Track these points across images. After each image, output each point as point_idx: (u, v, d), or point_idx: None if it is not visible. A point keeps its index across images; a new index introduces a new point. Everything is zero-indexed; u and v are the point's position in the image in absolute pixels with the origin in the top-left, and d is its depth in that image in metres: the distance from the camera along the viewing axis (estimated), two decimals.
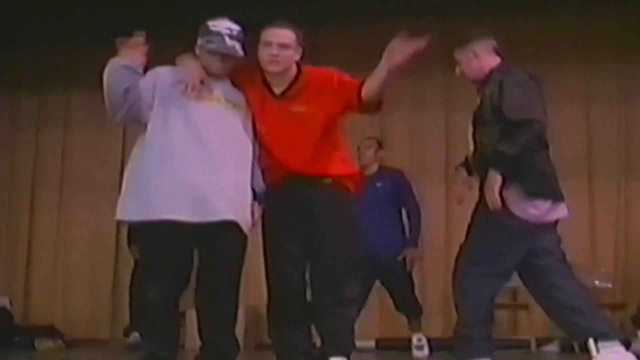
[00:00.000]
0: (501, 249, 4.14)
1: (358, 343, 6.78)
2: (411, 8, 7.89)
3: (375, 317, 7.55)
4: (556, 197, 4.20)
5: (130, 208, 3.80)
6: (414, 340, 6.75)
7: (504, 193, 4.03)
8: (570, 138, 7.82)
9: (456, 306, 4.34)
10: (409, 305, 6.70)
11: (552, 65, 7.97)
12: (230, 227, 3.76)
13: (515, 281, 7.69)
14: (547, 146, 4.31)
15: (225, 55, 3.85)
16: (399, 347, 7.05)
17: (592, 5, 7.82)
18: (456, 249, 7.58)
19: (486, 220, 4.13)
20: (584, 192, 7.77)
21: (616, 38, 7.90)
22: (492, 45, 4.35)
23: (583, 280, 7.35)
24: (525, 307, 7.49)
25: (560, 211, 4.23)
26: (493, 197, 3.99)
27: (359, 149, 6.60)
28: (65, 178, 8.82)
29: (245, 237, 3.86)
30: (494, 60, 4.32)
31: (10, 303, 7.94)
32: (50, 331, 7.95)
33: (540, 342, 7.37)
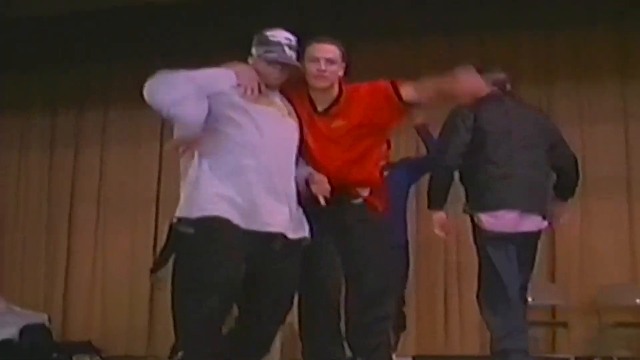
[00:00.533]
0: (491, 263, 4.48)
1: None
2: (448, 24, 7.91)
3: (412, 334, 7.51)
4: (516, 208, 4.46)
5: (189, 209, 3.63)
6: None
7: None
8: (608, 155, 7.76)
9: (487, 323, 4.45)
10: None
11: (590, 82, 7.93)
12: (287, 243, 3.66)
13: (554, 299, 7.67)
14: (497, 162, 4.52)
15: (285, 65, 3.81)
16: None
17: (630, 20, 7.75)
18: None
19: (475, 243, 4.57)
20: (623, 210, 7.69)
21: None
22: (494, 78, 4.68)
23: (625, 298, 7.33)
24: (564, 325, 7.42)
25: (532, 224, 4.52)
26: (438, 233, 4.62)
27: None
28: (102, 195, 8.91)
29: (301, 252, 3.75)
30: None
31: (49, 320, 8.00)
32: (88, 347, 8.00)
33: None
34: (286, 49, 3.79)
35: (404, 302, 6.37)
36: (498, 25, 7.90)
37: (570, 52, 8.01)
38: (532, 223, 4.53)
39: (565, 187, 4.78)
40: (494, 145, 4.50)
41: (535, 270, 7.75)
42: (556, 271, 7.74)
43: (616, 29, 7.94)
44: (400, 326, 6.43)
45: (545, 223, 4.60)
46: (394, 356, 5.94)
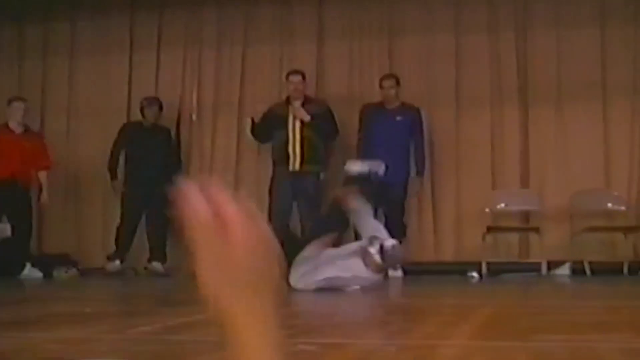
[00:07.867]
0: None
1: None
2: None
3: None
4: None
5: None
6: None
7: None
8: (584, 61, 7.71)
9: None
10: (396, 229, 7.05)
11: None
12: None
13: (527, 204, 7.75)
14: None
15: None
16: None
17: None
18: (467, 169, 7.64)
19: None
20: (598, 114, 7.67)
21: None
22: None
23: (597, 203, 7.41)
24: (537, 230, 7.48)
25: None
26: None
27: (380, 85, 7.48)
28: (72, 107, 8.73)
29: None
30: None
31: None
32: (65, 259, 7.94)
33: (552, 265, 7.38)
34: None
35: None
36: None
37: None
38: None
39: None
40: None
41: (508, 177, 7.85)
42: (530, 177, 7.77)
43: None
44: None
45: None
46: None
